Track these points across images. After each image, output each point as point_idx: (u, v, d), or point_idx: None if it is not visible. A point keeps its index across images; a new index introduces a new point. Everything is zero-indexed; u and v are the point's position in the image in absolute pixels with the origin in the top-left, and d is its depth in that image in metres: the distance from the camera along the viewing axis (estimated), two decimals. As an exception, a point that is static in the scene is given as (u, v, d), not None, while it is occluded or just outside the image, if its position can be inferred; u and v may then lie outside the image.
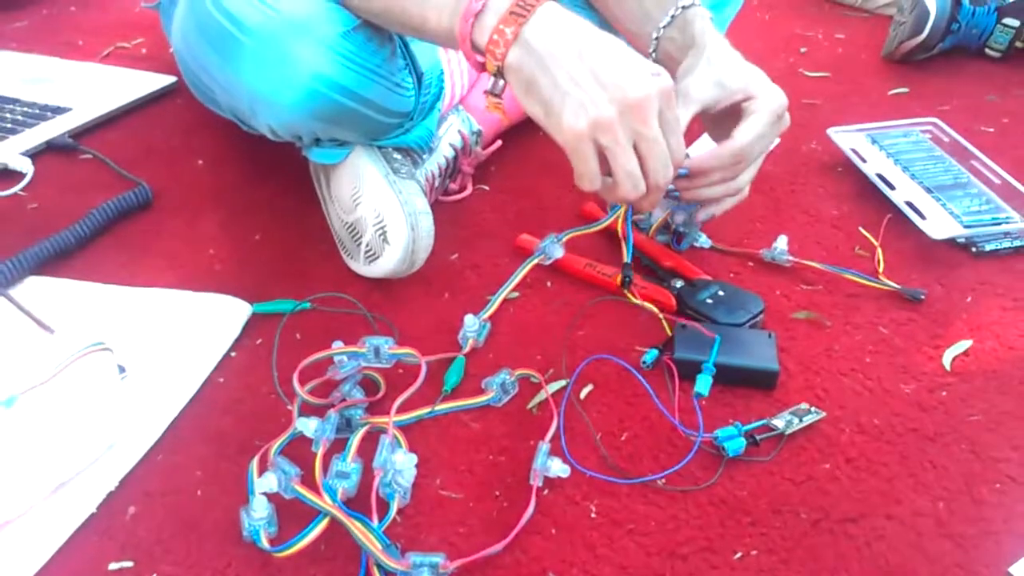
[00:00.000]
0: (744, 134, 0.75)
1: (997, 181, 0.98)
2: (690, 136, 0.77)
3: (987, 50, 1.36)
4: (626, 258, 0.83)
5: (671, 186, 0.73)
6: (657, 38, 0.82)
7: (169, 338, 0.75)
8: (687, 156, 0.73)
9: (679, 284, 0.82)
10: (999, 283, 0.86)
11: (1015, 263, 0.90)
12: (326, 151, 0.82)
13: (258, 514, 0.59)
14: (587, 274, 0.85)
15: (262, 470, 0.63)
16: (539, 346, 0.77)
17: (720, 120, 0.79)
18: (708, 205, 0.81)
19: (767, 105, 0.75)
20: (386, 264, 0.80)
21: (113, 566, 0.58)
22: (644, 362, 0.75)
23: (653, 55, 0.84)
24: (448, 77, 0.91)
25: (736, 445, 0.65)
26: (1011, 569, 0.59)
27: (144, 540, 0.60)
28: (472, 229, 0.93)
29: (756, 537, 0.61)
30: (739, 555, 0.60)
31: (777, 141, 0.82)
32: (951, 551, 0.60)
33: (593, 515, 0.63)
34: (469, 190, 0.97)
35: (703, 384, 0.72)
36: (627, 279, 0.82)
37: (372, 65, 0.74)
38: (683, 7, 0.79)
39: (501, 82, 0.67)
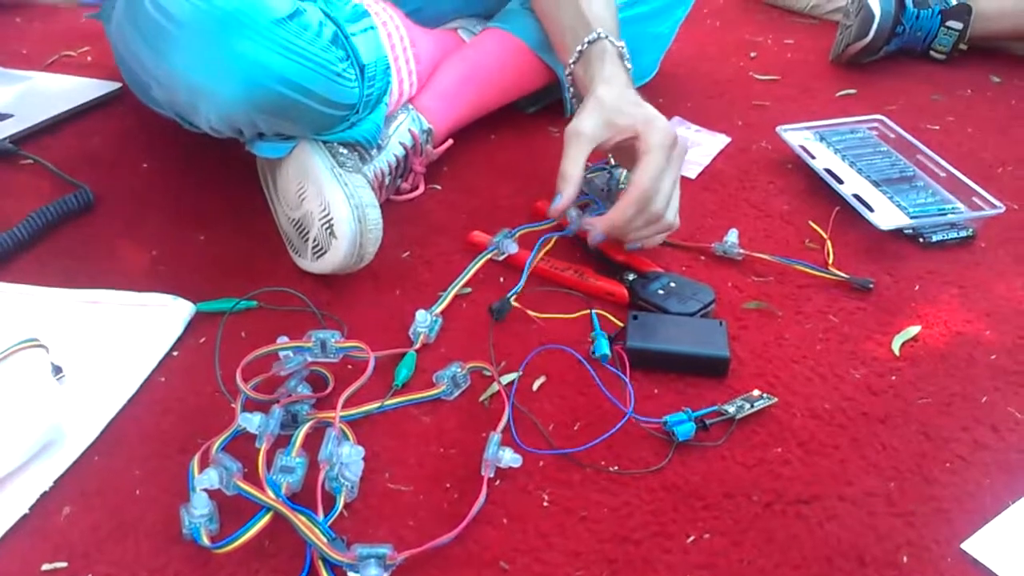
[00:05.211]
0: (640, 178, 0.79)
1: (942, 174, 0.99)
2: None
3: (932, 52, 1.39)
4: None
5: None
6: (570, 73, 0.89)
7: (108, 338, 0.73)
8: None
9: (631, 277, 0.82)
10: (946, 272, 0.87)
11: (961, 253, 0.91)
12: (270, 145, 0.80)
13: (198, 511, 0.57)
14: (577, 283, 0.83)
15: (203, 467, 0.61)
16: (490, 341, 0.76)
17: (622, 155, 0.84)
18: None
19: (655, 142, 0.79)
20: (334, 258, 0.78)
21: (46, 567, 0.56)
22: (593, 351, 0.74)
23: (571, 89, 0.91)
24: (395, 74, 0.90)
25: (685, 429, 0.65)
26: (963, 545, 0.59)
27: (79, 540, 0.58)
28: (424, 227, 0.92)
29: (708, 520, 0.60)
30: (692, 538, 0.59)
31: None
32: (902, 529, 0.60)
33: (545, 504, 0.62)
34: (421, 189, 0.96)
35: (602, 346, 0.73)
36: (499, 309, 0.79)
37: (309, 53, 0.73)
38: (588, 42, 0.86)
39: None
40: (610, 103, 0.81)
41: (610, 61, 0.85)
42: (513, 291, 0.81)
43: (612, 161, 0.93)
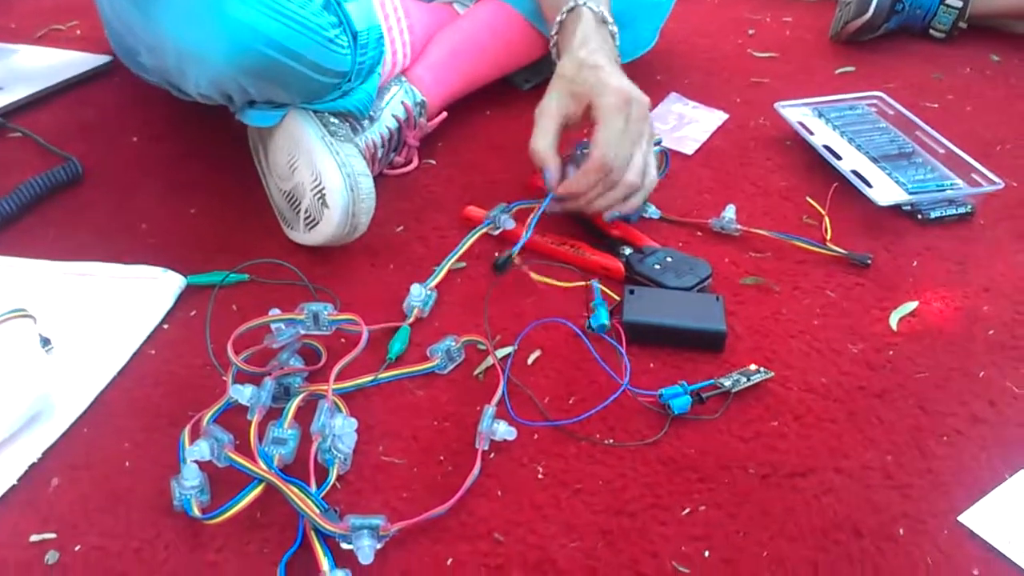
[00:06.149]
0: (599, 146, 0.78)
1: (941, 151, 0.98)
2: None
3: (931, 31, 1.38)
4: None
5: None
6: (554, 44, 0.89)
7: (98, 310, 0.72)
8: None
9: (627, 251, 0.81)
10: (944, 248, 0.87)
11: (960, 230, 0.90)
12: (260, 113, 0.79)
13: (189, 482, 0.57)
14: (573, 258, 0.82)
15: (194, 439, 0.60)
16: (485, 315, 0.76)
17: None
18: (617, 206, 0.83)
19: (605, 106, 0.78)
20: (326, 228, 0.77)
21: (35, 537, 0.56)
22: (589, 325, 0.73)
23: (557, 60, 0.90)
24: (389, 44, 0.89)
25: (681, 403, 0.64)
26: (960, 518, 0.59)
27: (68, 512, 0.57)
28: (419, 202, 0.91)
29: (704, 493, 0.60)
30: (687, 511, 0.59)
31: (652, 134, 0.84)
32: (899, 501, 0.60)
33: (540, 476, 0.61)
34: (415, 163, 0.95)
35: (601, 316, 0.73)
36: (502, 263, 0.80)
37: (300, 17, 0.71)
38: (567, 11, 0.86)
39: None
40: (569, 74, 0.82)
41: (585, 25, 0.85)
42: (516, 247, 0.80)
43: None
